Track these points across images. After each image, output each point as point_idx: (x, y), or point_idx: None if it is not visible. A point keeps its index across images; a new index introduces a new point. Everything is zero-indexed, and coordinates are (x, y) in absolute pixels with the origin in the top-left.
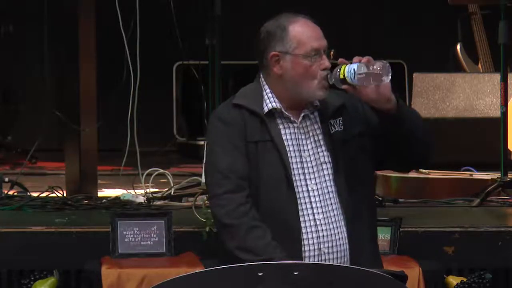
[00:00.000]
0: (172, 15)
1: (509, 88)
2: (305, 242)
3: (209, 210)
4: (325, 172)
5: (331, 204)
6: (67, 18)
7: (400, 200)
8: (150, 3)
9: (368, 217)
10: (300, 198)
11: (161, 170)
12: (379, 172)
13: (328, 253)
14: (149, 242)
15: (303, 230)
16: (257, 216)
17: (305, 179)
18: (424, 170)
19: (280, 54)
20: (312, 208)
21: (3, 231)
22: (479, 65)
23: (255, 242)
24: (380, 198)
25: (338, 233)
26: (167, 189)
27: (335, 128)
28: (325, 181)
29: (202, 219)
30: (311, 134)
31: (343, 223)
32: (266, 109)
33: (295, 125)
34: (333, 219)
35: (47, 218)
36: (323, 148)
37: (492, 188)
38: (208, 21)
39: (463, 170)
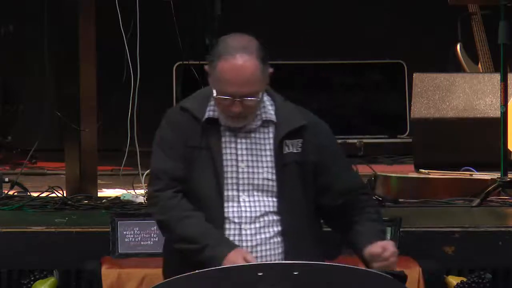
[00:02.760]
0: (172, 15)
1: (509, 88)
2: None
3: None
4: (265, 188)
5: (264, 217)
6: (67, 18)
7: (400, 200)
8: (150, 3)
9: (310, 235)
10: (228, 207)
11: None
12: (379, 172)
13: None
14: (149, 242)
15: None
16: (190, 206)
17: (238, 190)
18: (424, 170)
19: (209, 72)
20: (240, 217)
21: (3, 231)
22: (479, 65)
23: (187, 232)
24: (380, 198)
25: (267, 243)
26: None
27: (289, 149)
28: (263, 195)
29: None
30: (255, 147)
31: (275, 235)
32: (206, 117)
33: (237, 134)
34: (263, 230)
35: (47, 218)
36: (269, 164)
37: (492, 188)
38: (208, 21)
39: (463, 170)
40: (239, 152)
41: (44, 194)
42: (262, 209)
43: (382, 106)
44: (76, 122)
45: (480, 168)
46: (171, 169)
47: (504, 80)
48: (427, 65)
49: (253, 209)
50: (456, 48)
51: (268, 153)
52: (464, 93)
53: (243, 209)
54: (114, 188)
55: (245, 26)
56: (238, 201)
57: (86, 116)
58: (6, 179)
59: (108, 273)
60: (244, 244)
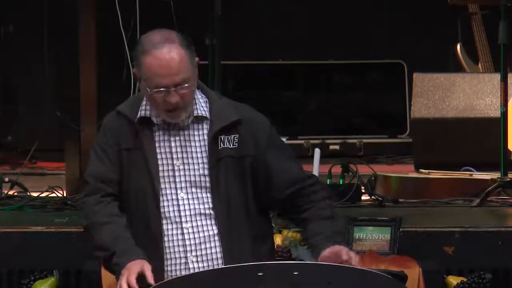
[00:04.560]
0: (172, 15)
1: (509, 88)
2: (170, 250)
3: None
4: (202, 184)
5: (203, 214)
6: (67, 18)
7: (400, 200)
8: (150, 3)
9: (249, 233)
10: (167, 206)
11: None
12: (379, 172)
13: (197, 261)
14: None
15: (167, 238)
16: (113, 211)
17: (175, 188)
18: (424, 170)
19: (138, 75)
20: (180, 216)
21: (3, 231)
22: (479, 65)
23: (101, 239)
24: (380, 198)
25: (209, 242)
26: None
27: (224, 144)
28: (201, 192)
29: None
30: (190, 143)
31: (215, 232)
32: (138, 117)
33: (170, 132)
34: (203, 229)
35: (47, 218)
36: (204, 160)
37: (492, 188)
38: (208, 21)
39: (463, 170)
40: (173, 150)
41: (44, 194)
42: (201, 206)
43: (382, 106)
44: (76, 122)
45: (480, 168)
46: (100, 172)
47: (504, 80)
48: (427, 65)
49: (191, 206)
50: (456, 48)
51: (203, 149)
52: (464, 93)
53: (181, 207)
54: None
55: (245, 26)
56: (177, 199)
57: (86, 116)
58: (6, 179)
59: (108, 273)
60: (187, 242)
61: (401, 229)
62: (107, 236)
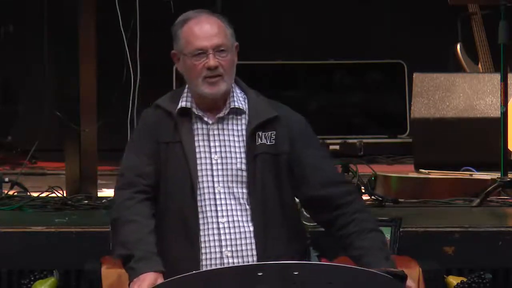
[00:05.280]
0: (172, 15)
1: (509, 88)
2: (206, 244)
3: None
4: (239, 179)
5: (240, 209)
6: (67, 18)
7: (400, 200)
8: (150, 3)
9: (285, 227)
10: (204, 200)
11: None
12: (379, 172)
13: (232, 257)
14: None
15: (203, 233)
16: (144, 211)
17: (213, 181)
18: (424, 170)
19: (177, 53)
20: (216, 210)
21: (3, 231)
22: (479, 65)
23: (127, 236)
24: (380, 198)
25: (244, 238)
26: None
27: (261, 140)
28: (237, 187)
29: None
30: (228, 138)
31: (251, 229)
32: (178, 107)
33: (209, 126)
34: (239, 224)
35: (47, 218)
36: (242, 155)
37: (492, 188)
38: None
39: (463, 170)
40: (212, 144)
41: (44, 194)
42: (237, 201)
43: (382, 106)
44: (76, 122)
45: (480, 168)
46: (136, 166)
47: (504, 80)
48: (427, 65)
49: (228, 201)
50: (456, 48)
51: (241, 144)
52: (464, 93)
53: (218, 202)
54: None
55: (245, 26)
56: (214, 193)
57: (86, 116)
58: (6, 179)
59: (108, 273)
60: (223, 237)
61: (401, 229)
62: (130, 235)
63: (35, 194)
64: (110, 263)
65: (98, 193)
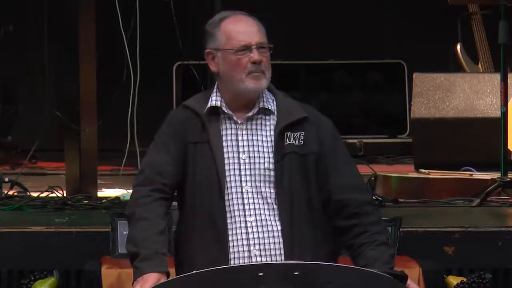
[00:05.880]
0: (172, 15)
1: (509, 88)
2: (234, 243)
3: None
4: (267, 179)
5: (268, 209)
6: (67, 18)
7: (400, 200)
8: (150, 3)
9: (312, 227)
10: (231, 199)
11: None
12: (379, 172)
13: (260, 255)
14: None
15: (231, 232)
16: (157, 210)
17: (240, 181)
18: (424, 170)
19: (213, 52)
20: (244, 210)
21: (3, 231)
22: (479, 65)
23: (136, 233)
24: (380, 198)
25: (272, 237)
26: None
27: (290, 141)
28: (264, 186)
29: None
30: (256, 137)
31: (278, 228)
32: (208, 106)
33: (238, 126)
34: (266, 223)
35: (47, 218)
36: (270, 155)
37: (492, 188)
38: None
39: (463, 170)
40: (240, 143)
41: (44, 194)
42: (265, 200)
43: (382, 106)
44: (76, 122)
45: (480, 168)
46: (157, 163)
47: (504, 80)
48: (427, 65)
49: (255, 200)
50: (456, 48)
51: (269, 144)
52: (464, 93)
53: (245, 201)
54: (114, 188)
55: None
56: (241, 192)
57: (86, 116)
58: (6, 179)
59: (108, 273)
60: (251, 236)
61: (401, 229)
62: (140, 232)
63: (35, 194)
64: (110, 263)
65: (98, 193)
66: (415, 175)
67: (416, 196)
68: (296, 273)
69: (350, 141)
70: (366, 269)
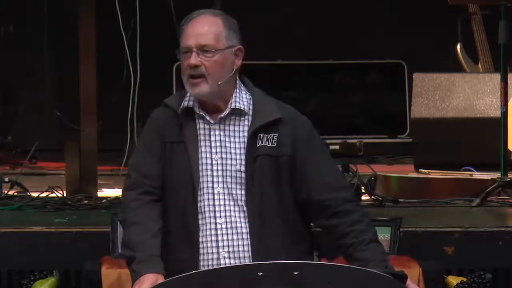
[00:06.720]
0: (172, 15)
1: (509, 88)
2: (204, 245)
3: None
4: (238, 180)
5: (238, 211)
6: (67, 18)
7: (400, 200)
8: (150, 3)
9: (284, 228)
10: (203, 200)
11: None
12: (379, 172)
13: (229, 257)
14: None
15: (202, 233)
16: (148, 213)
17: (212, 182)
18: (424, 170)
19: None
20: (215, 211)
21: (3, 231)
22: (479, 65)
23: (131, 238)
24: (380, 198)
25: (241, 239)
26: None
27: (262, 142)
28: (235, 188)
29: None
30: (229, 139)
31: (247, 230)
32: (181, 107)
33: (211, 126)
34: (236, 225)
35: (47, 218)
36: (242, 156)
37: (492, 188)
38: None
39: (463, 170)
40: (213, 144)
41: (44, 194)
42: (235, 202)
43: (382, 106)
44: (76, 122)
45: (480, 168)
46: (142, 165)
47: (504, 80)
48: (427, 65)
49: (226, 202)
50: (456, 48)
51: (242, 145)
52: (464, 93)
53: (216, 202)
54: (114, 188)
55: (245, 26)
56: (213, 193)
57: (86, 116)
58: (6, 179)
59: (108, 273)
60: (220, 238)
61: (401, 229)
62: (134, 236)
63: (35, 194)
64: (110, 263)
65: (98, 193)
66: (415, 175)
67: (416, 196)
68: (295, 273)
69: (350, 141)
70: (366, 269)
